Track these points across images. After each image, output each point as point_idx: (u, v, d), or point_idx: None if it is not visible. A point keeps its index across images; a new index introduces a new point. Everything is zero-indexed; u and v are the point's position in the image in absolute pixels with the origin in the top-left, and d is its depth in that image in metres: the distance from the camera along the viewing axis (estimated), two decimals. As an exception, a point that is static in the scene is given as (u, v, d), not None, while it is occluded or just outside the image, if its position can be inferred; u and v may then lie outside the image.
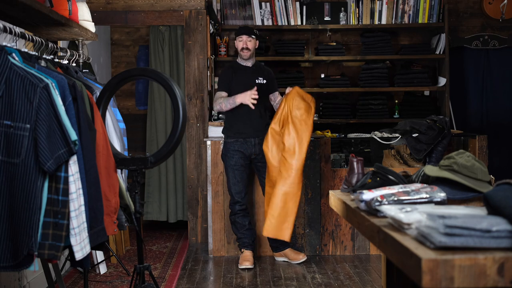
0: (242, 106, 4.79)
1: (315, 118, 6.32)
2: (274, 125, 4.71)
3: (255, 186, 5.19)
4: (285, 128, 4.64)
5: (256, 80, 4.93)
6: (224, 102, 4.77)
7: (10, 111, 2.36)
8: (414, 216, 1.73)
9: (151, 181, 6.43)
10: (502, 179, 1.90)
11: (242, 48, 4.90)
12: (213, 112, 5.79)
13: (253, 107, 4.66)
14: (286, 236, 4.66)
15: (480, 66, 6.69)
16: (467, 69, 6.70)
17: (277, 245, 4.98)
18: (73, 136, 2.44)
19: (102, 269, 4.64)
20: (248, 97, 4.64)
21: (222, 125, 5.36)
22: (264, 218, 5.14)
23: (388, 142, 5.27)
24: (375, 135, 5.27)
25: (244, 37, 4.90)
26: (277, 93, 5.10)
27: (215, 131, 5.39)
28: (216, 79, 6.43)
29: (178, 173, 6.38)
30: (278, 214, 4.62)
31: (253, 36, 4.92)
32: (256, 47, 5.01)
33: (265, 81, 4.97)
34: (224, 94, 4.85)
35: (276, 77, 5.26)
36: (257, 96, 4.65)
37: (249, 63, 4.97)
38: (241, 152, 4.85)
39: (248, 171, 4.94)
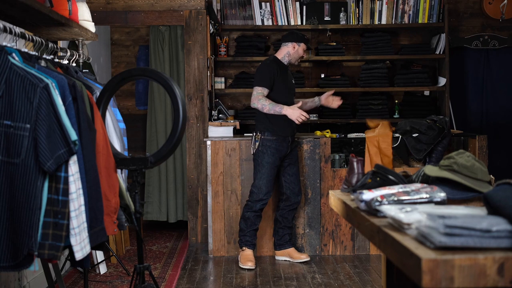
0: (285, 104, 4.79)
1: (314, 118, 6.36)
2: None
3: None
4: None
5: (292, 80, 5.08)
6: (268, 106, 4.71)
7: (10, 111, 2.36)
8: (414, 216, 1.73)
9: (151, 181, 6.43)
10: (502, 179, 1.90)
11: (301, 56, 4.98)
12: (213, 112, 5.79)
13: (298, 123, 4.72)
14: None
15: (480, 66, 6.69)
16: (467, 69, 6.70)
17: (283, 242, 4.97)
18: (73, 136, 2.44)
19: (102, 269, 4.64)
20: (297, 116, 4.68)
21: (222, 125, 5.36)
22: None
23: (388, 142, 5.26)
24: (375, 135, 5.27)
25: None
26: None
27: (215, 131, 5.38)
28: (216, 79, 6.44)
29: (178, 173, 6.37)
30: None
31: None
32: None
33: (294, 83, 5.12)
34: (266, 91, 4.78)
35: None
36: (306, 118, 4.72)
37: (287, 64, 5.01)
38: (280, 151, 4.83)
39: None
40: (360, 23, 6.29)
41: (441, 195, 1.98)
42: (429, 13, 6.28)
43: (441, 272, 1.45)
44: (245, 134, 5.65)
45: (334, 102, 5.14)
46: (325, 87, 6.36)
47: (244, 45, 6.38)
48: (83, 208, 2.53)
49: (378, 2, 6.25)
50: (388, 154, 5.08)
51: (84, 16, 3.85)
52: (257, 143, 4.85)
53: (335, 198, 2.56)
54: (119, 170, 3.44)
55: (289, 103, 4.86)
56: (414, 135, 5.11)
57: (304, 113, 4.71)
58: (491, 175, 2.23)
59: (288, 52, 4.93)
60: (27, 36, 2.83)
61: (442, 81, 6.32)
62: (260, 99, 4.73)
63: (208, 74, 5.70)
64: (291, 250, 4.99)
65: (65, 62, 3.52)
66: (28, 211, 2.35)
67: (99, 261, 4.60)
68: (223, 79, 6.48)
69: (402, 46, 6.45)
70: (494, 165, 6.25)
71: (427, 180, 2.28)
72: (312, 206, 5.21)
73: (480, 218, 1.58)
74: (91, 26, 3.95)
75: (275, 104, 4.72)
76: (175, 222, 6.41)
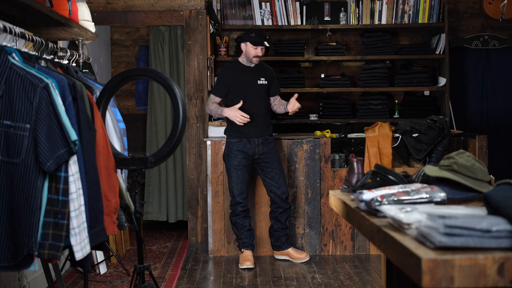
0: (246, 107, 4.79)
1: (315, 118, 6.36)
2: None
3: (256, 187, 5.18)
4: None
5: (258, 81, 4.95)
6: (213, 110, 4.88)
7: (10, 111, 2.36)
8: (414, 216, 1.73)
9: (151, 181, 6.43)
10: (502, 179, 1.90)
11: (256, 56, 4.89)
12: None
13: (239, 123, 4.73)
14: None
15: (480, 66, 6.69)
16: (467, 69, 6.70)
17: (280, 244, 4.98)
18: (73, 136, 2.44)
19: (102, 269, 4.64)
20: (235, 116, 4.72)
21: (222, 125, 5.36)
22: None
23: (388, 142, 5.26)
24: (375, 135, 5.27)
25: (261, 48, 4.89)
26: (278, 97, 5.10)
27: (215, 131, 5.38)
28: (216, 79, 6.44)
29: (178, 173, 6.37)
30: None
31: (267, 45, 4.96)
32: None
33: (266, 82, 4.97)
34: (217, 99, 4.92)
35: (276, 77, 5.25)
36: (247, 120, 4.71)
37: (252, 64, 4.97)
38: (244, 152, 4.84)
39: (250, 171, 4.94)
40: (360, 23, 6.29)
41: (441, 195, 1.98)
42: (429, 13, 6.27)
43: (441, 272, 1.45)
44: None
45: (294, 107, 4.89)
46: (325, 87, 6.36)
47: (244, 45, 6.37)
48: (83, 208, 2.53)
49: (378, 2, 6.25)
50: (388, 154, 5.08)
51: (84, 16, 3.85)
52: (224, 147, 4.94)
53: (335, 198, 2.56)
54: (119, 170, 3.44)
55: (254, 103, 4.85)
56: (414, 135, 5.11)
57: (244, 114, 4.72)
58: (491, 175, 2.23)
59: (243, 52, 4.96)
60: (27, 36, 2.83)
61: (442, 81, 6.32)
62: (208, 105, 4.93)
63: (208, 74, 5.70)
64: (290, 250, 4.99)
65: (65, 62, 3.52)
66: (28, 211, 2.35)
67: (99, 261, 4.60)
68: (223, 79, 6.47)
69: (402, 46, 6.45)
70: (494, 165, 6.25)
71: (427, 180, 2.28)
72: (312, 206, 5.21)
73: (480, 218, 1.58)
74: (91, 26, 3.95)
75: (218, 107, 4.86)
76: (175, 222, 6.41)
